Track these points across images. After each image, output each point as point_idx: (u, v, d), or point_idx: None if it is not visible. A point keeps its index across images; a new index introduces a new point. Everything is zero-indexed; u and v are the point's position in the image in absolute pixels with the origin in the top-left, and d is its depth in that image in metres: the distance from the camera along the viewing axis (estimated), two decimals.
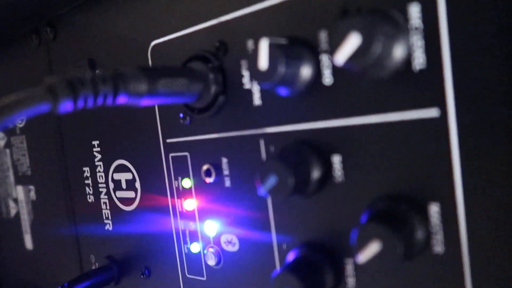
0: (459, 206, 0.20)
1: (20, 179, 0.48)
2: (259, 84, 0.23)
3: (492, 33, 0.18)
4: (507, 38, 0.18)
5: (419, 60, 0.20)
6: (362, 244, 0.20)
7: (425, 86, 0.20)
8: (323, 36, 0.23)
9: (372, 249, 0.19)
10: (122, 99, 0.23)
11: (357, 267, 0.24)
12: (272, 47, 0.22)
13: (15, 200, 0.50)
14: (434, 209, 0.21)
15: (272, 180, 0.22)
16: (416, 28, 0.20)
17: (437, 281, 0.21)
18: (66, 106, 0.21)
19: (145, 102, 0.24)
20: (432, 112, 0.20)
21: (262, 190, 0.23)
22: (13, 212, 0.50)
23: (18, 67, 0.45)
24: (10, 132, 0.48)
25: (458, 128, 0.20)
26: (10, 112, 0.19)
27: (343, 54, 0.19)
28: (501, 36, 0.18)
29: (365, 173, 0.23)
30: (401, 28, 0.20)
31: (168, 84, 0.25)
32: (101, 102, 0.22)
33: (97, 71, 0.22)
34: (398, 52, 0.20)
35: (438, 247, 0.21)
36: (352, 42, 0.19)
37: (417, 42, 0.20)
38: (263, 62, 0.22)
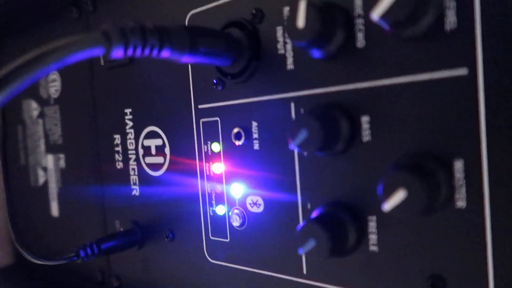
0: (483, 163, 0.21)
1: (51, 148, 0.50)
2: (295, 43, 0.24)
3: None
4: None
5: (450, 20, 0.21)
6: (388, 192, 0.21)
7: (455, 46, 0.21)
8: (358, 0, 0.24)
9: (397, 197, 0.20)
10: (165, 53, 0.25)
11: (380, 224, 0.25)
12: (309, 7, 0.23)
13: (44, 169, 0.52)
14: (458, 165, 0.22)
15: (303, 134, 0.23)
16: None
17: (458, 235, 0.22)
18: (117, 51, 0.22)
19: (186, 59, 0.26)
20: (461, 71, 0.21)
21: (293, 144, 0.24)
22: (41, 180, 0.52)
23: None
24: (44, 103, 0.50)
25: (485, 88, 0.21)
26: (69, 50, 0.20)
27: (379, 9, 0.20)
28: None
29: (393, 132, 0.24)
30: None
31: (207, 44, 0.27)
32: (148, 52, 0.24)
33: (147, 23, 0.24)
34: (431, 11, 0.21)
35: (461, 202, 0.22)
36: None
37: (450, 3, 0.21)
38: (301, 20, 0.23)
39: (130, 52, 0.23)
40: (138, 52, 0.23)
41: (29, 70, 0.19)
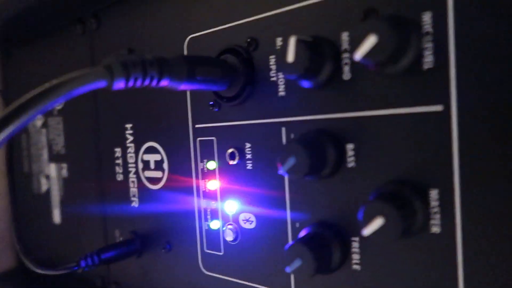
0: (456, 193, 0.23)
1: (54, 157, 0.52)
2: (286, 75, 0.26)
3: (494, 42, 0.21)
4: (506, 47, 0.21)
5: (427, 60, 0.23)
6: (368, 219, 0.22)
7: (432, 84, 0.23)
8: (345, 36, 0.26)
9: (375, 224, 0.22)
10: (164, 82, 0.26)
11: (362, 245, 0.26)
12: (299, 43, 0.25)
13: (47, 177, 0.53)
14: (434, 194, 0.23)
15: (291, 161, 0.25)
16: (427, 33, 0.23)
17: (433, 259, 0.24)
18: (119, 84, 0.24)
19: (184, 86, 0.28)
20: (436, 107, 0.23)
21: (282, 170, 0.26)
22: (44, 188, 0.54)
23: (62, 54, 0.49)
24: (47, 113, 0.52)
25: (458, 123, 0.22)
26: (74, 85, 0.22)
27: (361, 51, 0.22)
28: (502, 45, 0.21)
29: (374, 160, 0.25)
30: (414, 31, 0.23)
31: (204, 72, 0.28)
32: (148, 83, 0.25)
33: (146, 55, 0.25)
34: (410, 52, 0.23)
35: (436, 227, 0.23)
36: (369, 42, 0.21)
37: (427, 45, 0.23)
38: (291, 55, 0.25)
39: (131, 83, 0.25)
40: (139, 83, 0.25)
41: (35, 105, 0.21)
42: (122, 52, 0.40)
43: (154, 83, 0.26)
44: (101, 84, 0.23)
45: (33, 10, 0.46)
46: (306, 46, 0.25)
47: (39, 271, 0.39)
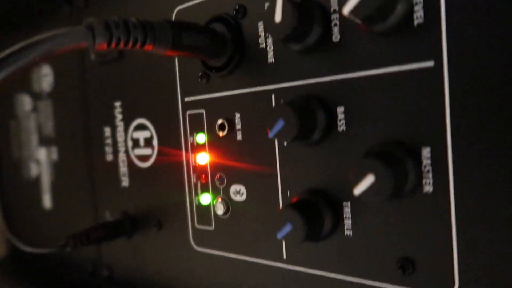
0: (448, 151, 0.22)
1: (43, 141, 0.51)
2: (273, 36, 0.25)
3: None
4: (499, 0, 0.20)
5: (418, 15, 0.22)
6: (358, 177, 0.22)
7: (423, 40, 0.22)
8: None
9: (366, 182, 0.22)
10: (149, 46, 0.26)
11: (354, 210, 0.26)
12: (286, 3, 0.24)
13: (37, 161, 0.53)
14: (426, 152, 0.23)
15: (280, 123, 0.25)
16: None
17: (426, 219, 0.23)
18: (101, 44, 0.23)
19: (169, 52, 0.27)
20: (427, 64, 0.22)
21: (271, 133, 0.25)
22: (34, 173, 0.53)
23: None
24: (37, 97, 0.51)
25: (450, 79, 0.22)
26: (55, 43, 0.21)
27: (349, 5, 0.21)
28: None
29: (366, 122, 0.25)
30: None
31: (190, 39, 0.28)
32: (131, 45, 0.25)
33: (131, 18, 0.25)
34: (400, 7, 0.22)
35: (428, 186, 0.23)
36: None
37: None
38: (278, 15, 0.24)
39: (114, 44, 0.24)
40: (122, 44, 0.24)
41: (16, 61, 0.21)
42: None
43: (138, 46, 0.25)
44: (82, 43, 0.23)
45: None
46: (294, 6, 0.24)
47: (28, 249, 0.38)
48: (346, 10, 0.21)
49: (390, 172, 0.21)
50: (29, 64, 0.21)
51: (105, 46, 0.24)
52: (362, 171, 0.22)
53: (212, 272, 0.34)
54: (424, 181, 0.23)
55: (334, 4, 0.25)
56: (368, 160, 0.22)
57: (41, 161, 0.52)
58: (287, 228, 0.25)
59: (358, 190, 0.22)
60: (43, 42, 0.21)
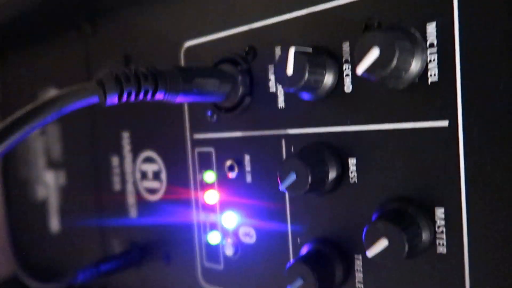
0: (463, 211, 0.22)
1: (51, 165, 0.51)
2: (284, 88, 0.25)
3: (502, 54, 0.20)
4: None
5: (432, 73, 0.22)
6: (371, 240, 0.22)
7: (437, 99, 0.22)
8: (346, 46, 0.25)
9: (380, 245, 0.21)
10: (159, 96, 0.25)
11: (365, 263, 0.25)
12: (298, 55, 0.24)
13: (44, 184, 0.53)
14: (439, 213, 0.22)
15: (291, 177, 0.24)
16: (432, 45, 0.22)
17: (439, 279, 0.23)
18: (112, 99, 0.23)
19: (180, 99, 0.27)
20: (442, 123, 0.22)
21: (282, 186, 0.25)
22: (40, 196, 0.53)
23: (57, 59, 0.48)
24: None
25: (465, 140, 0.21)
26: (66, 101, 0.21)
27: (363, 66, 0.21)
28: (510, 58, 0.20)
29: (377, 176, 0.24)
30: (418, 43, 0.22)
31: (201, 84, 0.27)
32: (142, 97, 0.25)
33: (140, 68, 0.24)
34: (414, 65, 0.22)
35: (442, 248, 0.22)
36: (372, 55, 0.20)
37: (432, 57, 0.22)
38: (290, 68, 0.24)
39: (124, 99, 0.24)
40: (133, 98, 0.24)
41: (29, 121, 0.20)
42: (118, 60, 0.39)
43: (148, 97, 0.25)
44: (93, 100, 0.22)
45: (29, 14, 0.45)
46: (305, 58, 0.24)
47: (36, 285, 0.38)
48: (360, 70, 0.21)
49: (404, 237, 0.21)
50: (40, 125, 0.21)
51: (115, 100, 0.23)
52: (375, 234, 0.21)
53: None
54: (437, 241, 0.22)
55: (346, 54, 0.25)
56: (381, 223, 0.21)
57: (48, 184, 0.52)
58: (298, 282, 0.24)
59: (371, 252, 0.22)
60: (54, 102, 0.21)
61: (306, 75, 0.24)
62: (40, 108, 0.21)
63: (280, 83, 0.25)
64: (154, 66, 0.26)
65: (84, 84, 0.22)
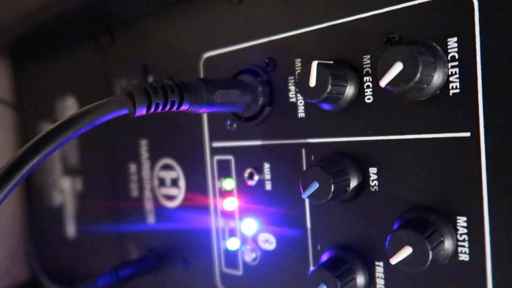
0: (485, 220, 0.22)
1: (68, 171, 0.52)
2: (307, 100, 0.25)
3: None
4: None
5: (454, 85, 0.22)
6: (395, 248, 0.22)
7: (459, 110, 0.22)
8: (366, 59, 0.26)
9: (403, 253, 0.22)
10: (185, 107, 0.26)
11: (387, 270, 0.26)
12: (320, 67, 0.24)
13: (61, 191, 0.54)
14: (461, 222, 0.23)
15: (314, 186, 0.25)
16: (453, 58, 0.22)
17: (461, 286, 0.23)
18: (141, 110, 0.24)
19: (203, 110, 0.28)
20: (464, 133, 0.22)
21: (304, 195, 0.25)
22: (57, 202, 0.54)
23: (74, 69, 0.49)
24: None
25: (487, 150, 0.22)
26: (99, 113, 0.22)
27: (386, 79, 0.21)
28: None
29: (399, 185, 0.25)
30: (439, 57, 0.22)
31: (224, 95, 0.28)
32: (168, 108, 0.25)
33: (166, 81, 0.25)
34: (436, 78, 0.22)
35: (464, 255, 0.23)
36: (395, 69, 0.21)
37: (453, 70, 0.22)
38: (312, 80, 0.25)
39: (152, 110, 0.24)
40: (160, 109, 0.25)
41: (65, 132, 0.21)
42: (136, 70, 0.40)
43: (174, 108, 0.26)
44: (123, 111, 0.23)
45: (47, 25, 0.46)
46: (328, 70, 0.24)
47: None
48: (383, 83, 0.22)
49: (427, 245, 0.21)
50: (72, 137, 0.21)
51: (144, 111, 0.24)
52: (398, 242, 0.22)
53: None
54: (460, 249, 0.23)
55: (366, 67, 0.26)
56: (405, 231, 0.22)
57: (65, 190, 0.53)
58: None
59: (394, 260, 0.22)
60: (88, 114, 0.22)
61: (329, 87, 0.24)
62: (74, 120, 0.22)
63: (302, 95, 0.25)
64: (179, 78, 0.27)
65: (115, 97, 0.23)
